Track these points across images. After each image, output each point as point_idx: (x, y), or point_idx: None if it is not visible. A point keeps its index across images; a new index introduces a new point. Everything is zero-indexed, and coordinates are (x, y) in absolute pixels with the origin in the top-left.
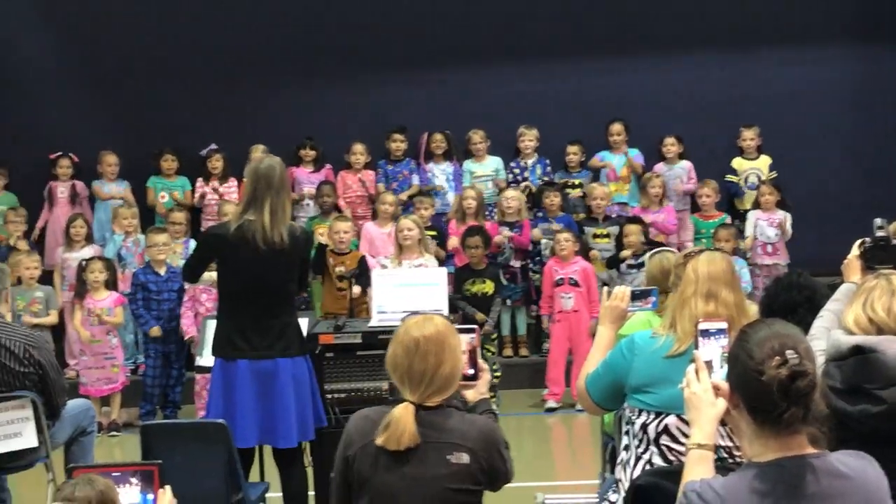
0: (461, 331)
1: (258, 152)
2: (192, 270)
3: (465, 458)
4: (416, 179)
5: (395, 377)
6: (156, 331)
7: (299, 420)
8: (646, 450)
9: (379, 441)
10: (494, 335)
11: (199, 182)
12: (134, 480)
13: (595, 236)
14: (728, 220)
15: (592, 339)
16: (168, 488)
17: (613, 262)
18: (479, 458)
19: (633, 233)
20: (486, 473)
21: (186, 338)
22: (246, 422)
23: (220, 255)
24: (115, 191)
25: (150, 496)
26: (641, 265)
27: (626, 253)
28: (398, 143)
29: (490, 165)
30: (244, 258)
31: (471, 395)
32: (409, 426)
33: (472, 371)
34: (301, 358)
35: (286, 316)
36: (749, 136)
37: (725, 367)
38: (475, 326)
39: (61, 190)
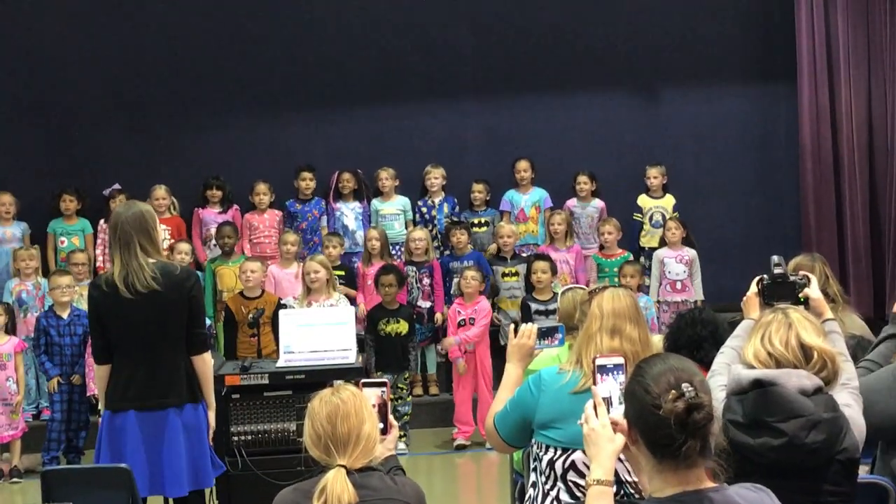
0: (370, 384)
1: (160, 191)
2: (94, 342)
3: None
4: (324, 221)
5: (318, 449)
6: (52, 384)
7: (192, 468)
8: (553, 486)
9: None
10: (407, 374)
11: (102, 223)
12: None
13: (504, 275)
14: (631, 257)
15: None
16: None
17: (527, 315)
18: None
19: (541, 269)
20: None
21: (90, 393)
22: (135, 473)
23: (101, 308)
24: (11, 234)
25: None
26: (553, 311)
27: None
28: (307, 182)
29: (397, 204)
30: (117, 309)
31: (379, 450)
32: (347, 486)
33: (381, 425)
34: (191, 405)
35: (174, 362)
36: (654, 174)
37: (624, 402)
38: (385, 381)
39: None
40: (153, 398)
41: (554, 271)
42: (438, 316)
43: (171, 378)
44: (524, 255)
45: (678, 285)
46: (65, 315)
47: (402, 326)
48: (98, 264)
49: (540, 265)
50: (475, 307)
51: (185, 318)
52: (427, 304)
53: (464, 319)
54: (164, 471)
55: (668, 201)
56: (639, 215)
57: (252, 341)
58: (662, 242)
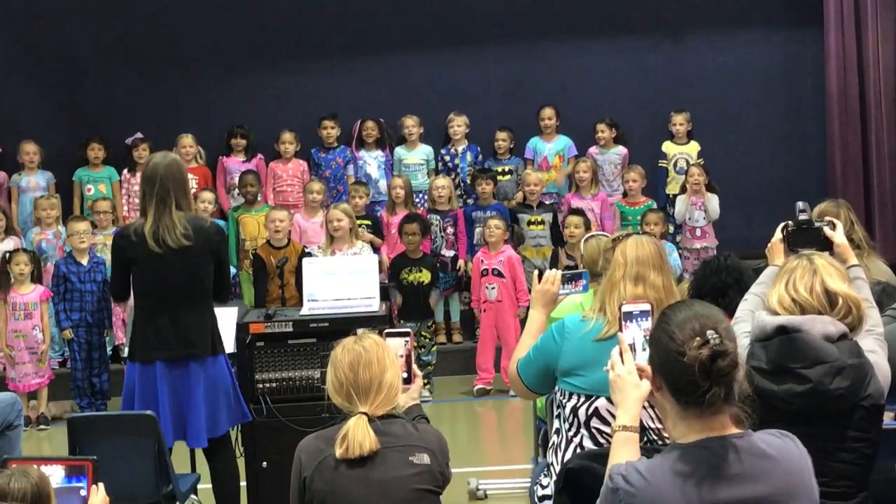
0: (395, 335)
1: (187, 139)
2: (115, 284)
3: (426, 458)
4: (350, 170)
5: (340, 396)
6: (66, 334)
7: (209, 419)
8: (576, 433)
9: (338, 452)
10: (431, 322)
11: (126, 173)
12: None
13: (529, 223)
14: (655, 205)
15: (522, 327)
16: (101, 486)
17: (556, 265)
18: (438, 460)
19: (574, 224)
20: (443, 476)
21: (117, 343)
22: (163, 421)
23: (128, 256)
24: (35, 182)
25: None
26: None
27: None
28: (329, 130)
29: (420, 154)
30: (147, 259)
31: (403, 399)
32: (369, 432)
33: (405, 375)
34: (212, 357)
35: (199, 314)
36: (679, 121)
37: (649, 348)
38: (408, 331)
39: None
40: (178, 348)
41: (588, 226)
42: (461, 264)
43: (196, 329)
44: (548, 202)
45: (698, 232)
46: (84, 261)
47: (425, 275)
48: (123, 214)
49: (573, 220)
50: (500, 257)
51: (212, 271)
52: (451, 253)
53: (486, 269)
54: (187, 421)
55: (693, 148)
56: (664, 162)
57: (281, 291)
58: (684, 189)
